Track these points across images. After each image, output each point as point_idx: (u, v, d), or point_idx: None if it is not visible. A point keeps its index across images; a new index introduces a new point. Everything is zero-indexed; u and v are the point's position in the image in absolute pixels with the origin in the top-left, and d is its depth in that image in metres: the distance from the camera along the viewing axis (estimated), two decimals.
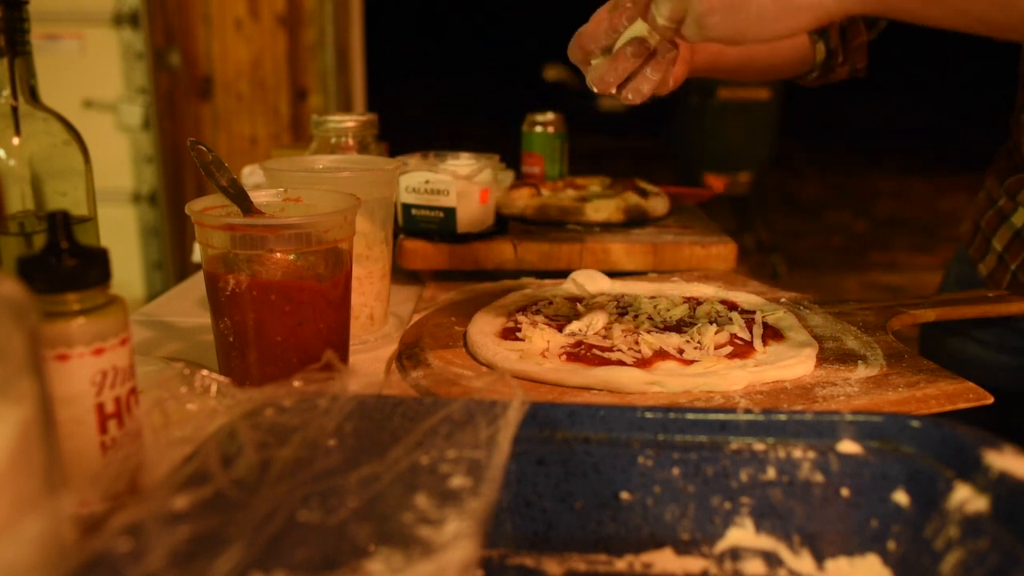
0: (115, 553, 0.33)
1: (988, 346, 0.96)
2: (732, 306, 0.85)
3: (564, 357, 0.72)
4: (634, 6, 0.65)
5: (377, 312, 0.87)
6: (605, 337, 0.76)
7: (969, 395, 0.65)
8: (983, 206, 1.01)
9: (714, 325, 0.76)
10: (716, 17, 0.57)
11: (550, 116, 1.40)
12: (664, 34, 0.62)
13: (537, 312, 0.83)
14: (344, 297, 0.70)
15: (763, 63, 0.92)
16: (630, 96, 0.70)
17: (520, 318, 0.81)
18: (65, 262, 0.44)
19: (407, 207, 1.04)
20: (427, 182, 1.02)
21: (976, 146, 3.15)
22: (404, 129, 2.59)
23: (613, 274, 0.95)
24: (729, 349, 0.72)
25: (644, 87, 0.69)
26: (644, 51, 0.66)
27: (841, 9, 0.58)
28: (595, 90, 0.70)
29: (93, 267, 0.45)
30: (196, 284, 1.08)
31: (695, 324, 0.78)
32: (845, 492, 0.45)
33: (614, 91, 0.70)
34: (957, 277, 1.04)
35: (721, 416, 0.46)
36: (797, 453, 0.45)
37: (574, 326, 0.78)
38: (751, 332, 0.76)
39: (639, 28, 0.66)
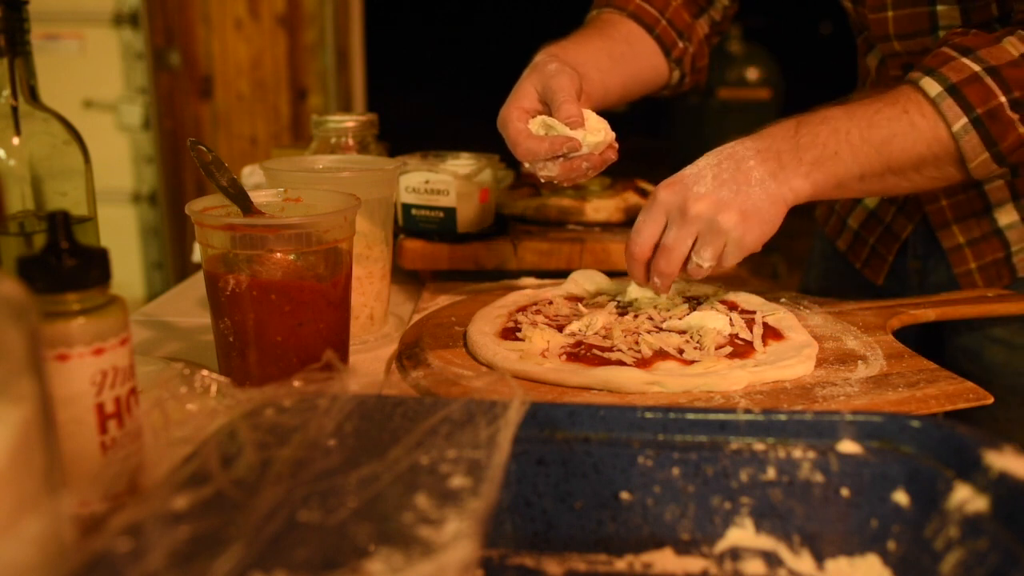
0: (115, 553, 0.33)
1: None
2: (732, 306, 0.85)
3: (564, 357, 0.72)
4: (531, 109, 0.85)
5: (377, 312, 0.87)
6: (605, 337, 0.76)
7: (969, 395, 0.65)
8: None
9: (714, 327, 0.76)
10: (759, 244, 0.74)
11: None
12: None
13: (537, 312, 0.83)
14: (344, 297, 0.70)
15: (637, 95, 1.06)
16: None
17: (520, 318, 0.81)
18: (65, 262, 0.44)
19: (407, 207, 1.04)
20: (427, 182, 1.02)
21: None
22: (404, 129, 2.59)
23: (613, 274, 0.95)
24: (729, 349, 0.72)
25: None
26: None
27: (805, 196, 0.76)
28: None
29: (93, 267, 0.45)
30: (196, 284, 1.08)
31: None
32: (845, 492, 0.45)
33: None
34: (820, 252, 1.20)
35: (721, 416, 0.46)
36: (797, 453, 0.45)
37: (574, 326, 0.78)
38: (751, 332, 0.76)
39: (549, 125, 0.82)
